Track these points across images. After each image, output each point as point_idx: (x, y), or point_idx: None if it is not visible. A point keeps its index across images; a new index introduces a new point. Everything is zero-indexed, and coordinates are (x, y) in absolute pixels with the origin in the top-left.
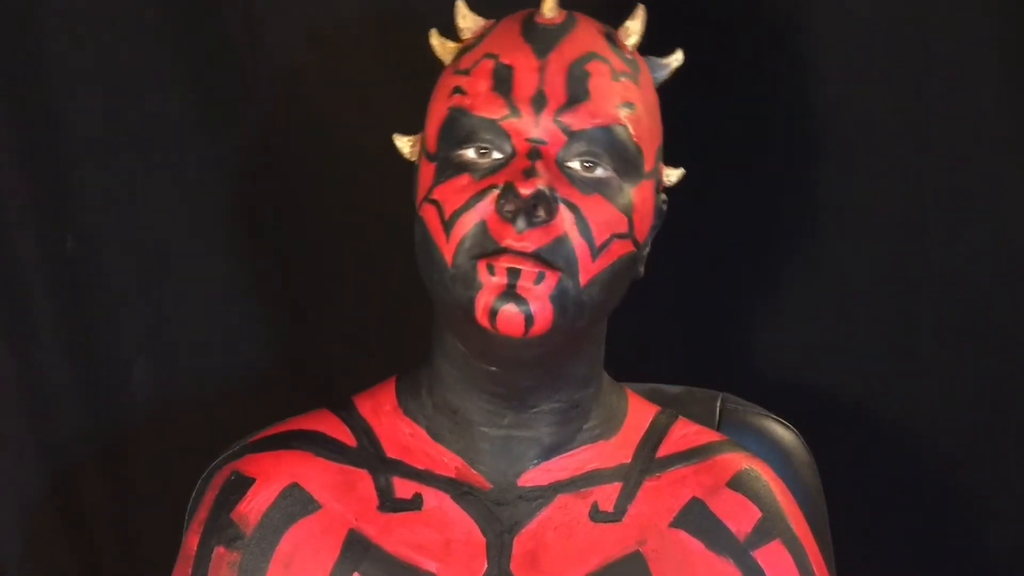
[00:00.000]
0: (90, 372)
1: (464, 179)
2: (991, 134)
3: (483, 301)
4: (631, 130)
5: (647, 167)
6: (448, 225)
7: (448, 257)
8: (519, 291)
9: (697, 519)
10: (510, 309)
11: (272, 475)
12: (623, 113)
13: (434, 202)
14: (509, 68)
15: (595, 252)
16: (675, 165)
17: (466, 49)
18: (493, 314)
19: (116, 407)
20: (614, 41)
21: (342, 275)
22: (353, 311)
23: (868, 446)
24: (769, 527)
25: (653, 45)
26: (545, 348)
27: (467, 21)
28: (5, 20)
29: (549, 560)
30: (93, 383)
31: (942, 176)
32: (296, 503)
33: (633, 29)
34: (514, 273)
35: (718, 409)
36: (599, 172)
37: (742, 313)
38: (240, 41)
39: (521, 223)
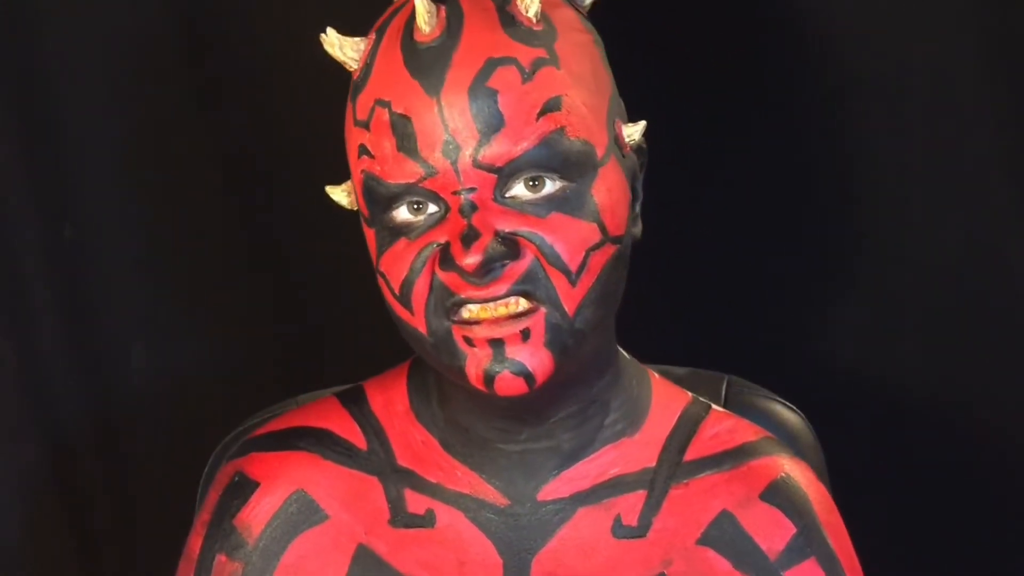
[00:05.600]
0: (88, 358)
1: (401, 243)
2: (973, 129)
3: (473, 371)
4: (567, 130)
5: (600, 153)
6: (403, 299)
7: (421, 328)
8: (508, 355)
9: (726, 535)
10: (506, 376)
11: (277, 480)
12: (551, 116)
13: (383, 275)
14: (406, 119)
15: (573, 277)
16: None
17: (357, 85)
18: (489, 381)
19: (114, 392)
20: (512, 18)
21: (338, 258)
22: (349, 295)
23: (873, 428)
24: (803, 544)
25: (649, 44)
26: (555, 383)
27: (346, 51)
28: (3, 13)
29: None
30: (91, 368)
31: (928, 167)
32: (302, 512)
33: None
34: (497, 344)
35: (723, 392)
36: (548, 188)
37: (747, 296)
38: (238, 30)
39: (480, 282)
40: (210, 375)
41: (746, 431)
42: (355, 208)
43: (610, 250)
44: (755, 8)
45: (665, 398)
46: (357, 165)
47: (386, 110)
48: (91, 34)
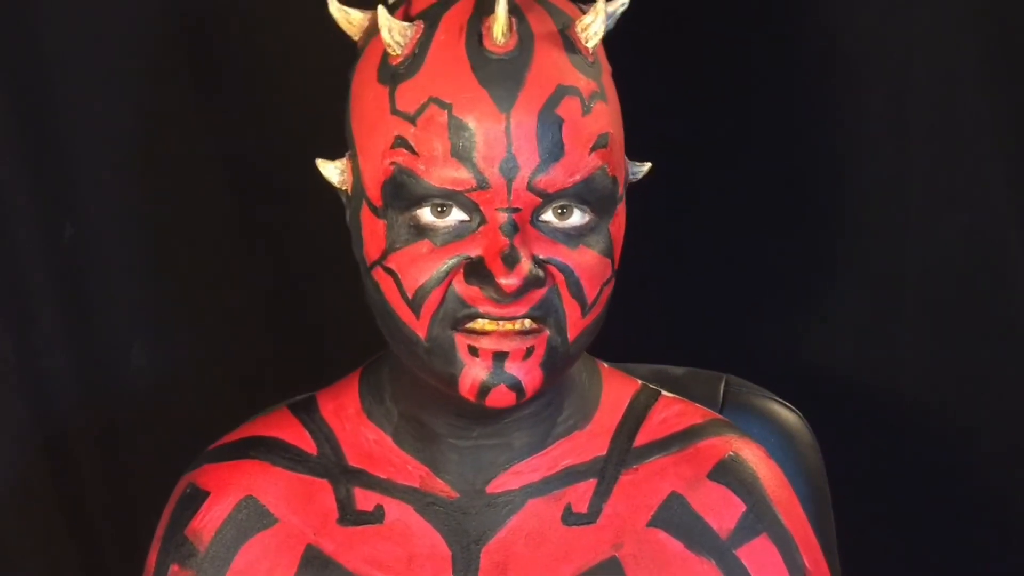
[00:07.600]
0: (88, 357)
1: (424, 246)
2: (974, 129)
3: (469, 381)
4: (608, 167)
5: (620, 190)
6: (414, 304)
7: (421, 332)
8: (507, 369)
9: (676, 517)
10: (501, 389)
11: (227, 488)
12: (600, 153)
13: (390, 272)
14: (467, 127)
15: (586, 309)
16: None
17: (399, 73)
18: (483, 393)
19: (114, 392)
20: (573, 45)
21: (338, 258)
22: (349, 295)
23: (871, 428)
24: (753, 521)
25: (647, 42)
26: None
27: (394, 34)
28: (4, 14)
29: (519, 572)
30: (91, 368)
31: (928, 167)
32: (251, 517)
33: (593, 31)
34: (500, 356)
35: (721, 391)
36: (575, 218)
37: (746, 295)
38: (239, 29)
39: (504, 300)
40: (210, 375)
41: (694, 414)
42: (343, 187)
43: (612, 284)
44: (756, 7)
45: (615, 388)
46: (387, 155)
47: (445, 112)
48: (92, 33)
